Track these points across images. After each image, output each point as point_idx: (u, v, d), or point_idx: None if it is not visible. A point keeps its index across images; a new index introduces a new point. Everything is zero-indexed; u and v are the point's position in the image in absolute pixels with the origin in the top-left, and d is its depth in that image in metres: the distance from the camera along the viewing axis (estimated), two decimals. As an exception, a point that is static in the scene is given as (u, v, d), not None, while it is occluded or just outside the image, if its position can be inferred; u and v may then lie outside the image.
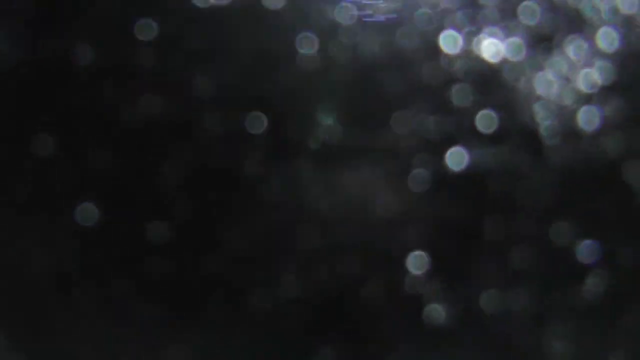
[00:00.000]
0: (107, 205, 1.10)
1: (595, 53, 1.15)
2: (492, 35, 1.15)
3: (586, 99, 1.15)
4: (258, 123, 1.11)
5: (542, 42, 1.15)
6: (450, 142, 1.14)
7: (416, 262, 1.13)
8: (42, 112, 1.11)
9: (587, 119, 1.14)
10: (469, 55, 1.15)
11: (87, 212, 1.10)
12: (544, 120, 1.15)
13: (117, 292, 1.12)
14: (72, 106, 1.12)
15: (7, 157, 1.12)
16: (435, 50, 1.15)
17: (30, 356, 1.09)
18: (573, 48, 1.15)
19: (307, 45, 1.13)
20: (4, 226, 1.13)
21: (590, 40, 1.15)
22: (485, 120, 1.14)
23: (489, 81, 1.16)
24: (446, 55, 1.15)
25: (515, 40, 1.15)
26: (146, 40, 1.11)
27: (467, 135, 1.14)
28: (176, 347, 1.11)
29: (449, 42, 1.14)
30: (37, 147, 1.10)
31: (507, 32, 1.15)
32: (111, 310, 1.12)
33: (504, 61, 1.15)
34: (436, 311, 1.13)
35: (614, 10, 1.16)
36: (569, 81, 1.15)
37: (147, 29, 1.11)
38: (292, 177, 1.13)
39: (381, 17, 1.15)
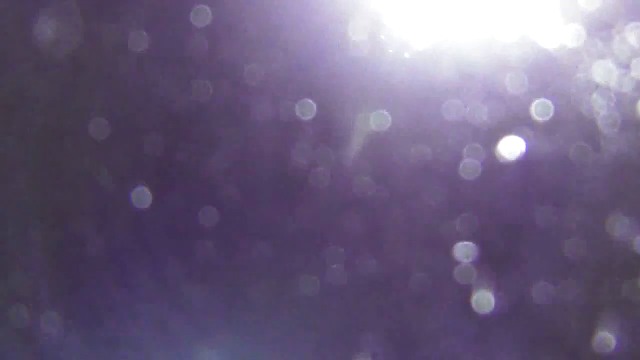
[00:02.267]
0: (158, 191, 1.12)
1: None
2: (552, 22, 1.12)
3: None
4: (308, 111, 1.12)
5: (603, 30, 1.11)
6: (506, 130, 1.12)
7: (467, 251, 1.13)
8: (93, 99, 1.14)
9: (647, 108, 1.11)
10: (527, 43, 1.13)
11: (141, 195, 1.12)
12: (602, 109, 1.12)
13: (169, 275, 1.14)
14: (122, 93, 1.14)
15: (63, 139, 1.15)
16: (492, 37, 1.13)
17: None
18: (634, 36, 1.11)
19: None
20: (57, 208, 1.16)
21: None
22: (542, 108, 1.12)
23: (547, 68, 1.13)
24: (503, 42, 1.13)
25: (575, 26, 1.12)
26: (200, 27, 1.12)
27: (524, 124, 1.12)
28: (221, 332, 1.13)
29: (507, 29, 1.12)
30: (93, 131, 1.12)
31: (568, 19, 1.12)
32: (164, 292, 1.14)
33: (563, 48, 1.12)
34: (486, 299, 1.12)
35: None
36: (630, 70, 1.12)
37: (201, 16, 1.12)
38: (340, 166, 1.13)
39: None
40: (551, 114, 1.13)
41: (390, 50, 1.13)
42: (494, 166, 1.13)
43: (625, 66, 1.12)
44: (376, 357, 1.14)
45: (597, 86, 1.12)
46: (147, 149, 1.13)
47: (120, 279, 1.14)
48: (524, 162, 1.13)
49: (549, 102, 1.12)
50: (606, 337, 1.11)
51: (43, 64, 1.13)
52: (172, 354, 1.13)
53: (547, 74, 1.13)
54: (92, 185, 1.15)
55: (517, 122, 1.13)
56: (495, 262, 1.13)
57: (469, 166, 1.13)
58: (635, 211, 1.11)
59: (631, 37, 1.11)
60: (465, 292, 1.12)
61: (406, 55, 1.13)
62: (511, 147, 1.12)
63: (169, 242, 1.14)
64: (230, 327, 1.14)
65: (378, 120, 1.13)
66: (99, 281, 1.14)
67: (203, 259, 1.13)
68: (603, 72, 1.12)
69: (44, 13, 1.11)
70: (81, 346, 1.12)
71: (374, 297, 1.14)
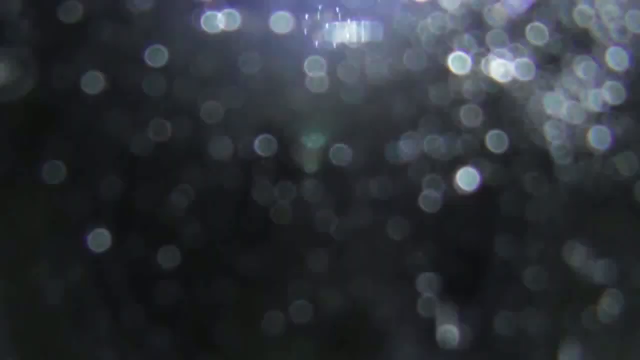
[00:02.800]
0: (118, 231, 1.11)
1: (605, 73, 1.15)
2: (501, 55, 1.15)
3: (596, 119, 1.14)
4: (267, 146, 1.12)
5: (551, 62, 1.15)
6: (461, 162, 1.14)
7: (427, 283, 1.13)
8: (51, 138, 1.12)
9: (598, 138, 1.14)
10: (478, 76, 1.15)
11: (99, 238, 1.10)
12: (554, 140, 1.15)
13: (130, 317, 1.12)
14: (81, 132, 1.12)
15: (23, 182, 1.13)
16: (444, 71, 1.15)
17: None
18: (582, 68, 1.15)
19: (315, 68, 1.14)
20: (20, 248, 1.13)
21: (600, 59, 1.15)
22: (496, 140, 1.14)
23: (498, 101, 1.16)
24: (455, 75, 1.15)
25: (525, 60, 1.15)
26: (155, 67, 1.12)
27: (478, 155, 1.14)
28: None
29: (458, 63, 1.15)
30: (48, 173, 1.10)
31: (516, 53, 1.15)
32: (124, 335, 1.12)
33: (514, 81, 1.15)
34: (449, 332, 1.13)
35: (623, 30, 1.16)
36: (579, 100, 1.15)
37: (156, 55, 1.12)
38: (300, 198, 1.13)
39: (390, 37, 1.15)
40: (505, 146, 1.15)
41: (350, 84, 1.14)
42: (452, 198, 1.14)
43: (575, 98, 1.15)
44: None
45: (548, 117, 1.15)
46: (104, 191, 1.12)
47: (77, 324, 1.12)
48: (481, 193, 1.14)
49: (503, 134, 1.15)
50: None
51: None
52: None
53: (500, 107, 1.16)
54: (47, 232, 1.12)
55: (473, 154, 1.14)
56: (457, 294, 1.14)
57: (428, 198, 1.14)
58: (590, 239, 1.14)
59: (579, 70, 1.15)
60: (428, 324, 1.13)
61: (362, 88, 1.15)
62: (468, 179, 1.14)
63: (127, 285, 1.12)
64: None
65: (337, 153, 1.14)
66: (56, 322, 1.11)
67: (164, 301, 1.11)
68: (553, 103, 1.15)
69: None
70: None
71: (339, 333, 1.14)
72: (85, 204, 1.11)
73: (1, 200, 1.12)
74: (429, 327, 1.13)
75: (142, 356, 1.12)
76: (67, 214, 1.11)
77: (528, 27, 1.15)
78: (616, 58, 1.15)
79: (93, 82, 1.11)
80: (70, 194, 1.11)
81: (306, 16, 1.14)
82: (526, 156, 1.16)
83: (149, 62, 1.12)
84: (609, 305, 1.12)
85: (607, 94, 1.15)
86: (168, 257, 1.11)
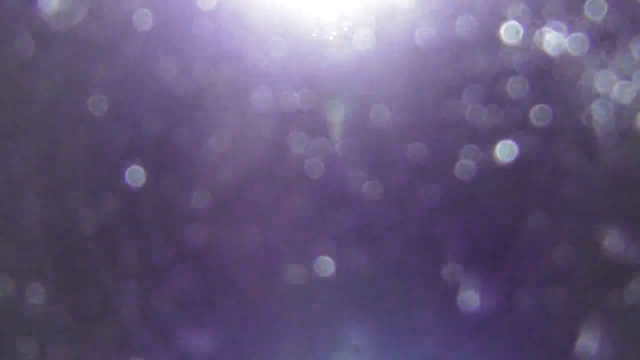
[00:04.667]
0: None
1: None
2: (555, 28, 1.12)
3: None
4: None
5: (606, 40, 1.12)
6: (504, 134, 1.13)
7: (457, 251, 1.13)
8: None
9: (646, 121, 1.12)
10: (530, 47, 1.13)
11: (136, 175, 1.12)
12: (601, 119, 1.13)
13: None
14: (123, 72, 1.13)
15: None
16: (496, 40, 1.13)
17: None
18: (636, 48, 1.11)
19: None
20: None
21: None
22: (542, 114, 1.12)
23: (548, 75, 1.13)
24: (507, 45, 1.12)
25: (579, 35, 1.12)
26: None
27: (522, 129, 1.12)
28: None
29: (511, 32, 1.12)
30: (91, 108, 1.12)
31: (572, 27, 1.12)
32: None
33: (566, 56, 1.13)
34: (473, 301, 1.13)
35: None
36: (630, 81, 1.12)
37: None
38: (335, 159, 1.13)
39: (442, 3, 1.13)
40: (550, 121, 1.13)
41: (390, 48, 1.13)
42: (490, 169, 1.13)
43: (627, 77, 1.12)
44: (359, 350, 1.14)
45: (597, 96, 1.13)
46: (143, 131, 1.13)
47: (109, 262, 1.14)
48: (520, 167, 1.13)
49: (548, 108, 1.13)
50: (592, 345, 1.12)
51: (44, 38, 1.12)
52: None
53: (549, 81, 1.14)
54: (86, 165, 1.15)
55: (516, 126, 1.13)
56: (484, 265, 1.14)
57: (465, 167, 1.13)
58: (629, 222, 1.12)
59: (634, 49, 1.12)
60: (453, 292, 1.13)
61: (407, 53, 1.13)
62: (508, 151, 1.13)
63: (160, 225, 1.14)
64: (219, 316, 1.14)
65: (375, 115, 1.13)
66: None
67: (195, 245, 1.12)
68: (604, 82, 1.12)
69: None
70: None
71: (362, 292, 1.15)
72: (125, 141, 1.13)
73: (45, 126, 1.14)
74: (454, 294, 1.13)
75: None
76: (107, 149, 1.13)
77: (587, 2, 1.11)
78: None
79: (141, 20, 1.12)
80: (111, 130, 1.13)
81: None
82: (571, 133, 1.14)
83: (200, 6, 1.12)
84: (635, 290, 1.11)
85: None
86: (202, 202, 1.13)
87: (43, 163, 1.14)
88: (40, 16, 1.12)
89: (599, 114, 1.13)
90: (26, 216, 1.11)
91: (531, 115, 1.13)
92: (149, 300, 1.10)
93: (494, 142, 1.13)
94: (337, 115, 1.14)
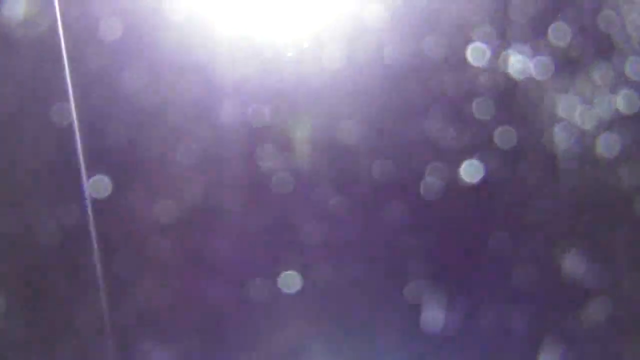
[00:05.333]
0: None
1: (622, 80, 1.14)
2: (520, 52, 1.15)
3: (608, 125, 1.14)
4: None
5: (570, 64, 1.14)
6: (468, 153, 1.14)
7: (420, 270, 1.14)
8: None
9: (606, 145, 1.14)
10: (496, 70, 1.15)
11: (100, 184, 1.10)
12: (562, 142, 1.15)
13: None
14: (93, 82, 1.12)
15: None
16: (462, 60, 1.14)
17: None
18: (599, 72, 1.14)
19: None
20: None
21: (618, 66, 1.14)
22: (505, 135, 1.14)
23: (512, 97, 1.15)
24: (472, 67, 1.14)
25: (543, 59, 1.14)
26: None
27: (486, 149, 1.14)
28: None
29: (477, 54, 1.14)
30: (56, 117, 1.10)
31: (536, 50, 1.15)
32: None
33: (530, 79, 1.15)
34: (434, 319, 1.13)
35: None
36: (592, 105, 1.15)
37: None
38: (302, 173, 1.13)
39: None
40: (514, 142, 1.15)
41: (358, 66, 1.14)
42: (455, 188, 1.14)
43: (588, 102, 1.15)
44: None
45: (560, 119, 1.15)
46: (109, 141, 1.11)
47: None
48: (485, 186, 1.14)
49: (512, 130, 1.15)
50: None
51: (7, 44, 1.10)
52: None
53: (513, 103, 1.16)
54: (49, 174, 1.12)
55: (481, 146, 1.15)
56: (448, 283, 1.15)
57: (431, 185, 1.14)
58: (589, 243, 1.14)
59: (596, 74, 1.15)
60: (417, 311, 1.13)
61: (375, 71, 1.14)
62: (473, 170, 1.14)
63: (125, 237, 1.12)
64: (183, 330, 1.12)
65: (343, 131, 1.14)
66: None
67: (160, 257, 1.11)
68: (566, 106, 1.15)
69: None
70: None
71: (327, 308, 1.14)
72: (92, 150, 1.11)
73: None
74: (417, 313, 1.14)
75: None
76: (72, 159, 1.11)
77: (551, 26, 1.14)
78: (635, 67, 1.14)
79: (111, 31, 1.10)
80: (76, 139, 1.11)
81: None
82: (532, 155, 1.16)
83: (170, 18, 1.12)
84: (598, 310, 1.13)
85: (621, 102, 1.15)
86: (168, 213, 1.11)
87: (5, 171, 1.11)
88: (4, 22, 1.10)
89: (560, 137, 1.15)
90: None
91: (496, 136, 1.15)
92: (111, 313, 1.08)
93: (459, 162, 1.14)
94: (304, 131, 1.14)
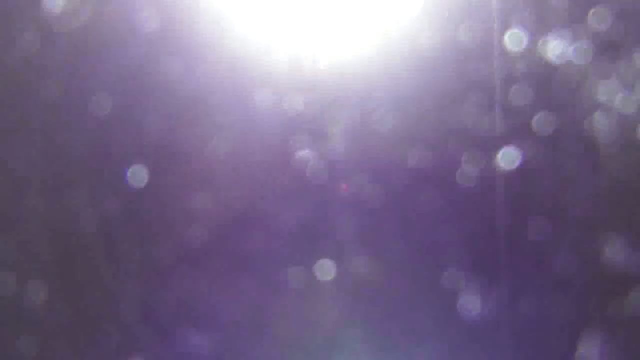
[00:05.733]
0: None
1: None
2: (559, 37, 1.13)
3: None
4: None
5: (610, 49, 1.12)
6: (505, 141, 1.13)
7: (458, 257, 1.13)
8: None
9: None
10: (533, 55, 1.13)
11: (138, 175, 1.12)
12: (604, 128, 1.13)
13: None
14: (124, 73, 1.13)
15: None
16: (499, 47, 1.13)
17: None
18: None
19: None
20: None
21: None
22: (543, 122, 1.13)
23: (551, 83, 1.14)
24: (510, 53, 1.13)
25: (583, 44, 1.12)
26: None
27: (525, 136, 1.13)
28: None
29: (515, 40, 1.13)
30: (93, 107, 1.12)
31: (575, 36, 1.12)
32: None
33: (569, 64, 1.13)
34: (473, 307, 1.13)
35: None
36: (633, 91, 1.12)
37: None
38: (336, 163, 1.13)
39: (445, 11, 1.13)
40: (552, 129, 1.13)
41: (392, 53, 1.13)
42: (492, 176, 1.13)
43: (629, 87, 1.13)
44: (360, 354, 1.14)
45: (600, 105, 1.13)
46: (145, 132, 1.13)
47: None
48: (522, 175, 1.13)
49: (551, 117, 1.13)
50: (592, 354, 1.12)
51: (46, 37, 1.12)
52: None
53: (551, 89, 1.14)
54: (88, 165, 1.14)
55: (518, 134, 1.13)
56: (485, 272, 1.14)
57: (467, 174, 1.13)
58: (628, 232, 1.12)
59: (637, 59, 1.12)
60: (453, 298, 1.13)
61: (409, 58, 1.13)
62: (510, 158, 1.13)
63: (161, 228, 1.13)
64: (220, 320, 1.13)
65: (377, 120, 1.14)
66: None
67: (196, 248, 1.12)
68: (607, 91, 1.13)
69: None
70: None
71: (363, 298, 1.15)
72: (126, 143, 1.13)
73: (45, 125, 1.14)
74: (454, 300, 1.13)
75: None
76: (108, 149, 1.13)
77: (590, 12, 1.12)
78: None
79: (144, 22, 1.12)
80: (112, 131, 1.12)
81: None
82: (573, 141, 1.14)
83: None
84: (635, 299, 1.11)
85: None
86: (202, 204, 1.12)
87: (44, 163, 1.13)
88: (43, 15, 1.12)
89: (601, 123, 1.13)
90: (27, 216, 1.11)
91: (533, 123, 1.13)
92: (149, 303, 1.10)
93: (496, 150, 1.13)
94: (338, 120, 1.14)
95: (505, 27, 1.13)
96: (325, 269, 1.12)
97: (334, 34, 1.15)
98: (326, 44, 1.15)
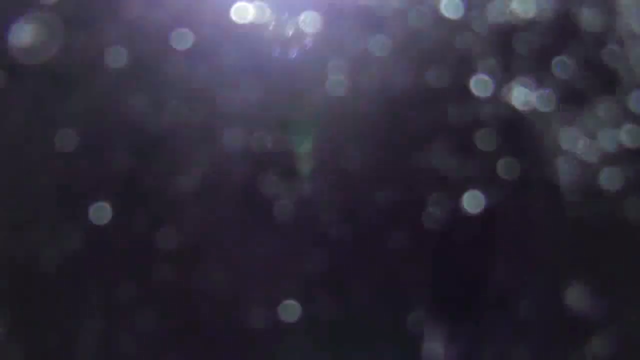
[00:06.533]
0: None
1: (626, 114, 1.15)
2: (524, 84, 1.15)
3: (611, 159, 1.14)
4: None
5: (574, 98, 1.15)
6: (470, 184, 1.14)
7: (423, 299, 1.13)
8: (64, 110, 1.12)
9: (610, 178, 1.14)
10: (499, 101, 1.15)
11: (101, 212, 1.10)
12: (566, 175, 1.15)
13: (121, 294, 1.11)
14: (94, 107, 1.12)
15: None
16: (466, 91, 1.15)
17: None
18: (603, 107, 1.15)
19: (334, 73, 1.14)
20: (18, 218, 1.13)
21: (622, 101, 1.15)
22: (508, 166, 1.14)
23: (515, 129, 1.15)
24: (476, 98, 1.14)
25: (547, 92, 1.15)
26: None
27: (488, 180, 1.14)
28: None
29: (481, 85, 1.14)
30: (60, 142, 1.10)
31: (539, 83, 1.15)
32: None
33: (533, 111, 1.15)
34: (436, 351, 1.12)
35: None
36: (596, 139, 1.15)
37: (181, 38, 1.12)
38: (305, 199, 1.13)
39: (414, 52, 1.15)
40: (517, 174, 1.15)
41: (363, 94, 1.14)
42: (457, 218, 1.14)
43: (592, 135, 1.15)
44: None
45: (563, 152, 1.15)
46: (114, 165, 1.12)
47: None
48: (487, 218, 1.14)
49: (516, 162, 1.15)
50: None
51: (16, 70, 1.11)
52: None
53: (516, 135, 1.16)
54: (52, 200, 1.12)
55: (484, 178, 1.14)
56: (450, 315, 1.14)
57: (433, 215, 1.14)
58: (593, 277, 1.14)
59: (599, 108, 1.15)
60: (419, 342, 1.13)
61: (379, 100, 1.14)
62: (475, 201, 1.14)
63: (126, 262, 1.12)
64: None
65: (346, 159, 1.14)
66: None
67: (162, 284, 1.11)
68: (570, 139, 1.15)
69: (24, 18, 1.09)
70: None
71: (329, 338, 1.14)
72: (93, 175, 1.11)
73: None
74: (418, 344, 1.13)
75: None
76: (74, 184, 1.11)
77: (555, 60, 1.14)
78: (639, 101, 1.15)
79: (115, 56, 1.11)
80: (80, 164, 1.11)
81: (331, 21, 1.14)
82: (535, 187, 1.16)
83: (174, 45, 1.12)
84: (601, 345, 1.12)
85: (625, 136, 1.15)
86: (169, 239, 1.11)
87: (8, 196, 1.11)
88: (10, 49, 1.11)
89: (564, 170, 1.15)
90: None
91: (499, 168, 1.15)
92: (113, 339, 1.07)
93: (462, 192, 1.14)
94: (308, 158, 1.14)
95: (472, 72, 1.15)
96: (293, 310, 1.11)
97: (304, 72, 1.16)
98: (296, 82, 1.15)
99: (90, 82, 1.11)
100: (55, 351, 1.09)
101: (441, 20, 1.15)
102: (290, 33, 1.14)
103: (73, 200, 1.11)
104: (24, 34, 1.10)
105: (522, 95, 1.15)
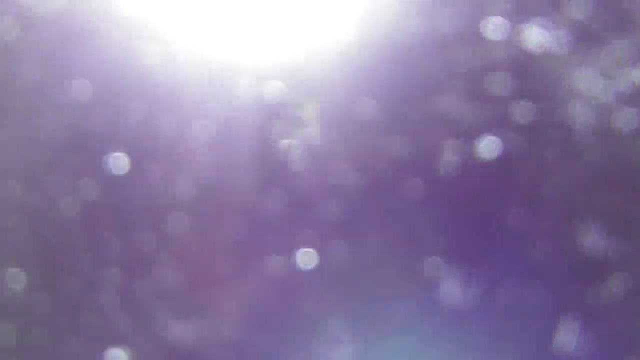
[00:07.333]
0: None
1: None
2: (538, 25, 1.13)
3: (627, 99, 1.13)
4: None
5: (591, 39, 1.13)
6: (485, 130, 1.13)
7: (438, 245, 1.14)
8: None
9: (626, 119, 1.13)
10: (513, 44, 1.13)
11: (120, 161, 1.11)
12: (581, 117, 1.14)
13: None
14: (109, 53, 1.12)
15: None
16: (477, 35, 1.13)
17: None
18: (620, 47, 1.13)
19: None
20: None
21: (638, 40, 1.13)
22: (523, 111, 1.13)
23: (530, 71, 1.14)
24: (489, 41, 1.13)
25: (562, 32, 1.13)
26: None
27: (503, 125, 1.13)
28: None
29: (494, 28, 1.13)
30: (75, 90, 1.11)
31: (555, 24, 1.13)
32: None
33: (548, 53, 1.14)
34: (452, 296, 1.13)
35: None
36: (612, 79, 1.13)
37: None
38: (317, 152, 1.13)
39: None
40: (532, 118, 1.14)
41: (372, 41, 1.13)
42: (472, 164, 1.13)
43: (610, 77, 1.13)
44: (340, 343, 1.14)
45: (580, 94, 1.14)
46: (126, 119, 1.12)
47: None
48: (502, 163, 1.14)
49: (531, 105, 1.14)
50: (571, 342, 1.13)
51: (26, 22, 1.11)
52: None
53: (531, 78, 1.15)
54: (67, 152, 1.13)
55: (499, 123, 1.14)
56: (466, 261, 1.15)
57: (447, 162, 1.13)
58: (609, 220, 1.13)
59: (617, 48, 1.13)
60: (435, 287, 1.13)
61: (389, 47, 1.13)
62: (490, 147, 1.13)
63: (142, 216, 1.13)
64: (202, 309, 1.13)
65: (358, 108, 1.14)
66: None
67: (177, 237, 1.12)
68: (587, 80, 1.13)
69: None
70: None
71: (343, 287, 1.15)
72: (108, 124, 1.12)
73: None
74: (435, 289, 1.14)
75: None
76: (88, 132, 1.12)
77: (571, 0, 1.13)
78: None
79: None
80: (91, 113, 1.11)
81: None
82: (552, 130, 1.15)
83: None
84: (618, 286, 1.12)
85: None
86: (183, 192, 1.12)
87: (23, 150, 1.12)
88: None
89: (580, 112, 1.14)
90: (6, 205, 1.10)
91: (514, 112, 1.14)
92: (131, 291, 1.09)
93: (476, 138, 1.13)
94: (319, 109, 1.14)
95: (485, 15, 1.13)
96: (307, 258, 1.12)
97: (311, 27, 1.15)
98: (303, 34, 1.15)
99: (102, 33, 1.11)
100: (73, 300, 1.11)
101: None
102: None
103: (89, 150, 1.12)
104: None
105: (537, 37, 1.13)
